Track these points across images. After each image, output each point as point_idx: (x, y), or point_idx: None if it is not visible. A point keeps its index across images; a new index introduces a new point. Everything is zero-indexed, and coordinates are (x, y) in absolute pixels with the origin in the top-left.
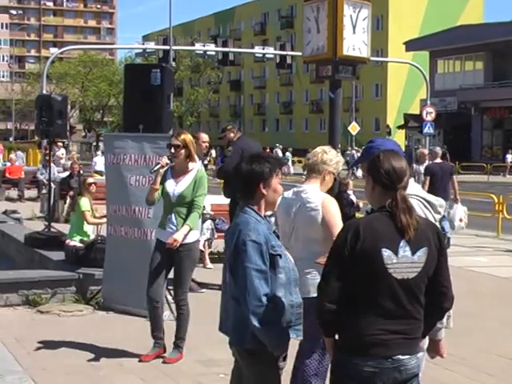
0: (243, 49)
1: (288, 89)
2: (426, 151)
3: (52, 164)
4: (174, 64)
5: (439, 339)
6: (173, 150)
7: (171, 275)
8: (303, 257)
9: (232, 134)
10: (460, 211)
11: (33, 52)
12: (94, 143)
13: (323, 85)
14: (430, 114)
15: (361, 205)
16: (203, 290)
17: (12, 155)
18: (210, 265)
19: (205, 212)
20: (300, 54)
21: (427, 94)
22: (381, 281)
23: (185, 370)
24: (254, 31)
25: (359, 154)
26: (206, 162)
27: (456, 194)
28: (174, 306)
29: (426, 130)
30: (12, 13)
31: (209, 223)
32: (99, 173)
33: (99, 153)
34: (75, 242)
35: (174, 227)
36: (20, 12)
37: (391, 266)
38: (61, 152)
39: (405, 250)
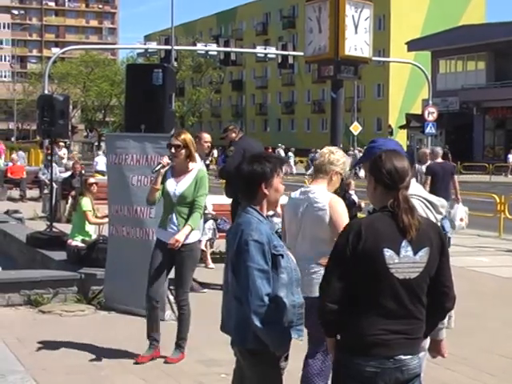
0: (245, 49)
1: (290, 89)
2: (429, 151)
3: (54, 164)
4: (175, 64)
5: (440, 339)
6: (173, 150)
7: (172, 275)
8: (310, 256)
9: (234, 134)
10: (461, 211)
11: (35, 52)
12: (96, 143)
13: (325, 85)
14: (431, 114)
15: (363, 205)
16: (205, 290)
17: (14, 155)
18: (211, 265)
19: (207, 212)
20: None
21: (429, 94)
22: (382, 281)
23: (186, 370)
24: (256, 31)
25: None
26: (207, 162)
27: (457, 194)
28: (175, 306)
29: (427, 130)
30: (14, 13)
31: (211, 223)
32: (101, 173)
33: (100, 152)
34: (77, 241)
35: (175, 227)
36: (22, 12)
37: (393, 265)
38: (62, 152)
39: (406, 250)
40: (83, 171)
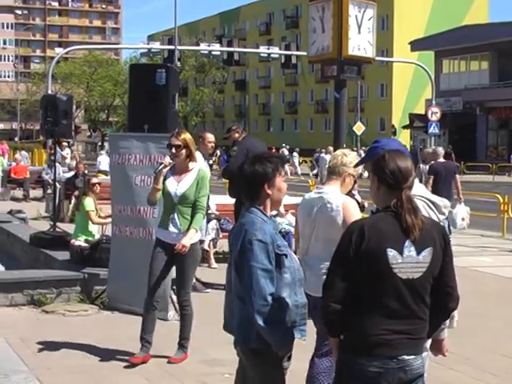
0: (248, 49)
1: (293, 89)
2: (430, 151)
3: (57, 164)
4: (179, 64)
5: (442, 339)
6: (174, 150)
7: (174, 275)
8: (323, 257)
9: (237, 135)
10: (463, 211)
11: (38, 52)
12: (99, 143)
13: (328, 85)
14: (435, 114)
15: (366, 205)
16: (208, 290)
17: (17, 155)
18: (214, 265)
19: (210, 212)
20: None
21: (432, 94)
22: (386, 281)
23: (189, 370)
24: (259, 31)
25: None
26: (210, 162)
27: (459, 194)
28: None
29: (431, 129)
30: (17, 13)
31: (214, 223)
32: (103, 172)
33: (103, 152)
34: (80, 241)
35: (176, 228)
36: (25, 12)
37: (396, 265)
38: (66, 152)
39: (410, 250)
40: (86, 171)
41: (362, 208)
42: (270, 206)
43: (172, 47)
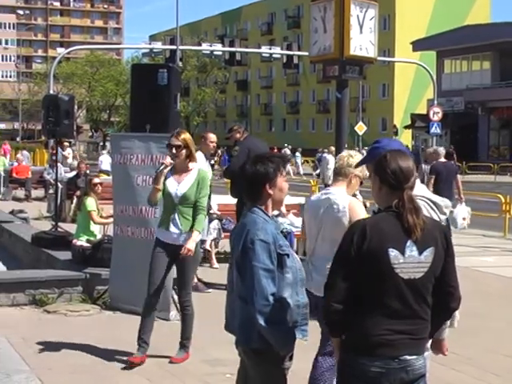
0: (250, 49)
1: (295, 89)
2: (431, 151)
3: (59, 164)
4: (180, 64)
5: (442, 338)
6: (174, 150)
7: (174, 275)
8: (330, 257)
9: (238, 135)
10: (463, 210)
11: (40, 52)
12: (101, 143)
13: (330, 85)
14: (436, 114)
15: (368, 205)
16: (210, 290)
17: (19, 155)
18: (216, 265)
19: (212, 212)
20: (307, 53)
21: (434, 94)
22: (387, 281)
23: (191, 370)
24: (261, 31)
25: None
26: (212, 162)
27: (460, 194)
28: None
29: (432, 130)
30: (19, 13)
31: (215, 223)
32: (105, 172)
33: (105, 152)
34: (82, 241)
35: (177, 228)
36: (27, 12)
37: (398, 265)
38: (67, 152)
39: (411, 250)
40: (88, 171)
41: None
42: (271, 206)
43: (174, 47)
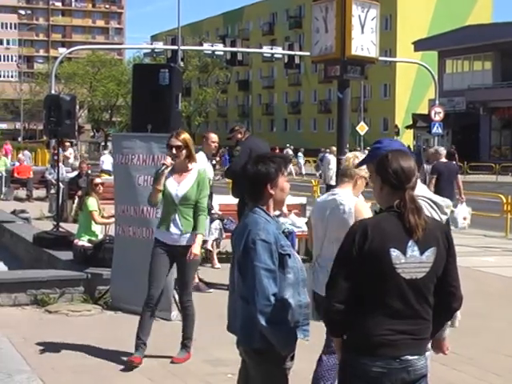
0: (251, 49)
1: (296, 89)
2: (433, 151)
3: (60, 164)
4: (182, 64)
5: (443, 338)
6: (174, 151)
7: (175, 276)
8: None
9: (240, 135)
10: (464, 210)
11: (41, 52)
12: (103, 143)
13: (331, 85)
14: (438, 114)
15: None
16: (211, 290)
17: (20, 155)
18: (218, 265)
19: (213, 212)
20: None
21: (436, 94)
22: (389, 281)
23: (192, 370)
24: (263, 31)
25: None
26: (214, 162)
27: (461, 194)
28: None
29: (434, 130)
30: (21, 13)
31: (217, 223)
32: (107, 172)
33: (106, 152)
34: (83, 241)
35: (178, 229)
36: (28, 12)
37: (399, 265)
38: (69, 152)
39: (413, 250)
40: (90, 171)
41: None
42: (273, 206)
43: (175, 47)
